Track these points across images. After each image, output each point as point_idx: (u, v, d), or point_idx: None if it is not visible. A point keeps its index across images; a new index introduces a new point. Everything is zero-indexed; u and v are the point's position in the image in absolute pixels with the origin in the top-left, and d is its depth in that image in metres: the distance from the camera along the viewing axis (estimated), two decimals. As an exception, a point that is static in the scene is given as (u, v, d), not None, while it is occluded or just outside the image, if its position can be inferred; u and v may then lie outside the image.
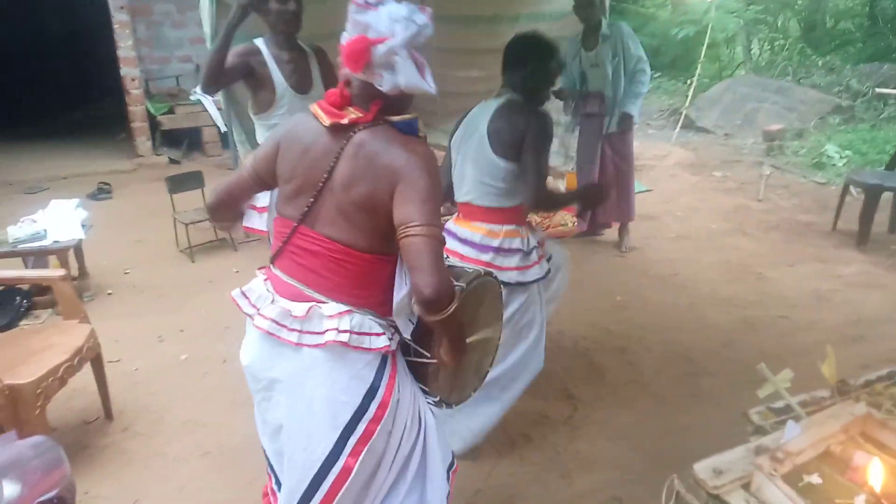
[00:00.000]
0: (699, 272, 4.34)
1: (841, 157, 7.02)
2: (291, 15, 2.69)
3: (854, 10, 13.60)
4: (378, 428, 1.50)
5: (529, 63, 2.30)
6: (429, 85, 1.41)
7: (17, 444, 1.80)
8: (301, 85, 2.85)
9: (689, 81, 10.98)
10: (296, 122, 1.57)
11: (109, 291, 4.06)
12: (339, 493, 1.51)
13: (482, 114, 2.32)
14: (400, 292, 1.50)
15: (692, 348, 3.32)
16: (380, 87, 1.39)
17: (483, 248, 2.30)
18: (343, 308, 1.48)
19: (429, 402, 1.71)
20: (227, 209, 1.70)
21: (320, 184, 1.45)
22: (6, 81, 9.44)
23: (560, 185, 6.03)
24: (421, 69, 1.39)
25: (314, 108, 1.51)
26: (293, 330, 1.48)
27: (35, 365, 2.29)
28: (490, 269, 1.88)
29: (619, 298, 3.93)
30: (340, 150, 1.44)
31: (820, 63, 10.47)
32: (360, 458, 1.50)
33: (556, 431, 2.67)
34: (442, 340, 1.51)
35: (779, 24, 12.92)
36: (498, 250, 2.29)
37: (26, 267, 3.82)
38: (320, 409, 1.48)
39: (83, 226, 3.89)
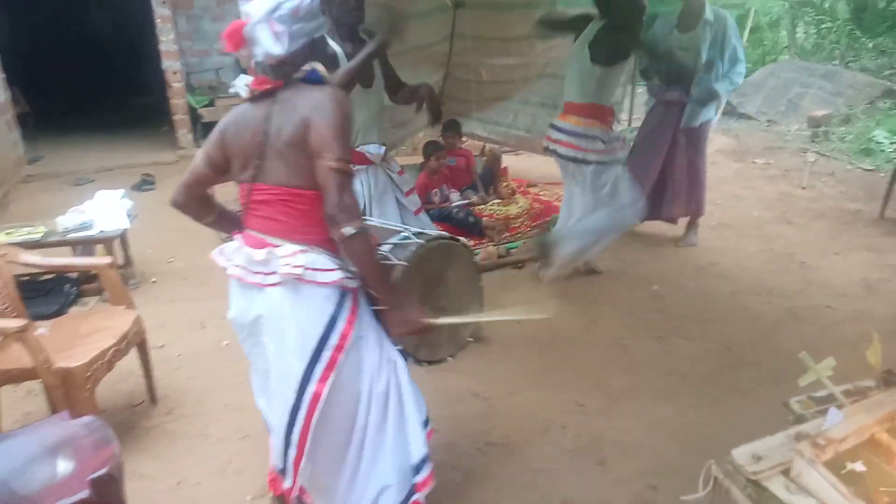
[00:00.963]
0: (741, 261, 4.25)
1: (890, 143, 6.77)
2: (355, 6, 2.65)
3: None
4: (341, 357, 1.70)
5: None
6: (278, 48, 1.60)
7: (70, 423, 1.88)
8: (365, 78, 2.80)
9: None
10: (234, 111, 1.78)
11: (154, 279, 4.18)
12: (314, 421, 1.71)
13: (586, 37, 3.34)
14: None
15: (732, 339, 3.26)
16: (256, 58, 1.65)
17: (573, 133, 3.43)
18: (296, 248, 1.66)
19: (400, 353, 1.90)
20: (191, 202, 1.85)
21: (260, 145, 1.66)
22: (53, 75, 9.76)
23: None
24: (277, 36, 1.60)
25: (243, 91, 1.73)
26: (258, 273, 1.68)
27: (85, 348, 2.38)
28: (458, 237, 2.36)
29: (655, 288, 3.87)
30: (269, 111, 1.65)
31: (871, 45, 10.09)
32: (328, 384, 1.69)
33: (592, 420, 2.66)
34: (346, 254, 1.70)
35: (826, 6, 12.44)
36: (582, 136, 3.41)
37: (75, 255, 3.96)
38: (291, 340, 1.68)
39: (128, 216, 4.00)
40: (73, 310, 3.74)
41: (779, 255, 4.34)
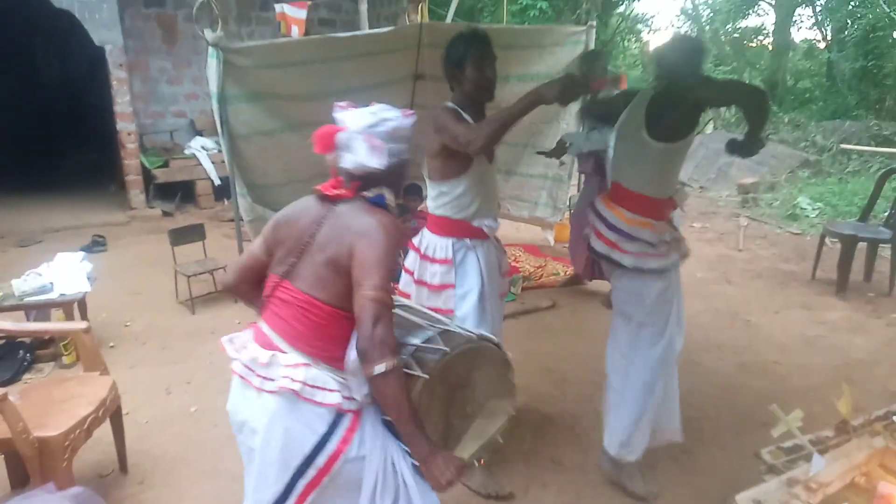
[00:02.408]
0: (690, 319, 4.45)
1: (813, 209, 7.37)
2: (488, 83, 2.45)
3: (812, 70, 14.44)
4: (326, 479, 1.62)
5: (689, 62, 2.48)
6: (375, 161, 1.66)
7: (58, 495, 1.83)
8: (491, 151, 2.57)
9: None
10: (298, 203, 1.81)
11: (112, 344, 4.06)
12: None
13: (643, 97, 2.55)
14: (353, 350, 1.60)
15: (691, 393, 3.42)
16: (342, 165, 1.69)
17: (614, 228, 2.59)
18: (301, 360, 1.62)
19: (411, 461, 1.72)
20: (244, 285, 1.87)
21: (303, 246, 1.67)
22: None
23: (549, 236, 6.23)
24: (374, 150, 1.66)
25: (315, 188, 1.76)
26: (258, 376, 1.63)
27: (62, 416, 2.31)
28: (489, 337, 1.92)
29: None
30: (324, 218, 1.69)
31: (786, 119, 11.04)
32: (308, 502, 1.62)
33: (572, 477, 2.74)
34: (375, 394, 1.59)
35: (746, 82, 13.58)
36: (627, 236, 2.56)
37: (28, 320, 3.81)
38: (274, 451, 1.60)
39: (89, 278, 3.91)
40: (28, 377, 3.59)
41: (724, 314, 4.62)
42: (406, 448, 1.66)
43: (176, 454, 2.92)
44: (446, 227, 2.53)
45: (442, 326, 1.86)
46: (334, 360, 1.64)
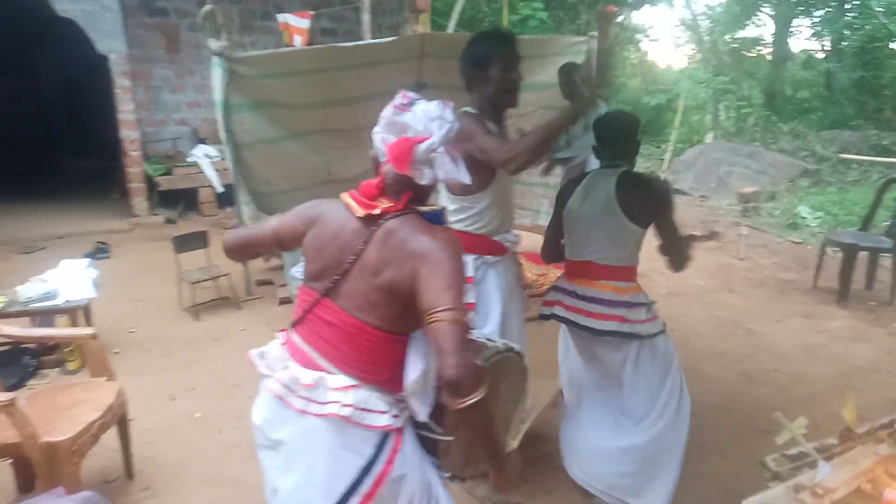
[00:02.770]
0: (692, 327, 4.52)
1: (814, 218, 7.40)
2: (514, 86, 2.30)
3: (810, 80, 14.53)
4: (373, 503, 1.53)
5: (630, 136, 2.52)
6: (464, 176, 1.57)
7: (67, 499, 1.84)
8: None
9: (661, 146, 11.53)
10: (329, 207, 1.65)
11: (116, 350, 4.07)
12: None
13: (602, 182, 2.43)
14: (414, 372, 1.54)
15: (694, 401, 3.39)
16: (420, 182, 1.52)
17: (613, 303, 2.42)
18: (349, 382, 1.52)
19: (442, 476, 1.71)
20: (242, 253, 1.88)
21: (347, 265, 1.53)
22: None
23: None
24: (456, 161, 1.55)
25: (346, 197, 1.60)
26: (301, 397, 1.52)
27: (69, 422, 2.32)
28: (512, 346, 1.93)
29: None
30: (370, 235, 1.52)
31: (785, 129, 11.09)
32: None
33: (574, 483, 2.74)
34: (462, 422, 1.51)
35: (745, 93, 13.69)
36: (628, 305, 2.42)
37: (33, 326, 3.83)
38: (317, 477, 1.52)
39: (94, 285, 3.93)
40: (33, 383, 3.60)
41: (725, 322, 4.64)
42: (437, 462, 1.65)
43: (180, 460, 2.93)
44: (467, 243, 2.30)
45: (482, 345, 1.82)
46: (384, 382, 1.57)
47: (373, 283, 1.50)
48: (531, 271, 5.56)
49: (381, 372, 1.56)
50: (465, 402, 1.37)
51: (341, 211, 1.60)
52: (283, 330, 1.70)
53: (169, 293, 4.90)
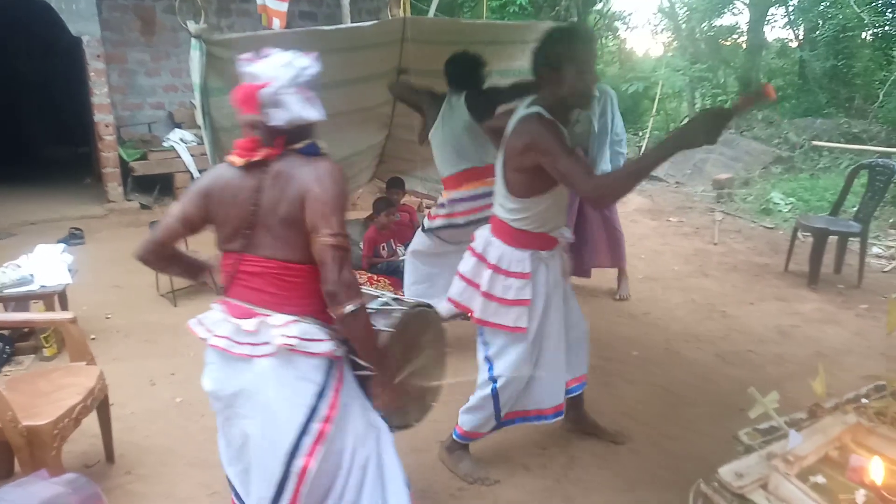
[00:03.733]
0: (669, 311, 4.60)
1: (786, 204, 7.55)
2: (589, 89, 2.21)
3: (784, 69, 14.73)
4: (330, 428, 1.67)
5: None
6: (314, 113, 1.66)
7: (52, 481, 1.83)
8: None
9: (639, 133, 11.64)
10: (217, 173, 1.76)
11: (93, 336, 4.03)
12: (302, 494, 1.68)
13: None
14: None
15: (672, 381, 3.53)
16: (270, 124, 1.64)
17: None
18: (289, 318, 1.66)
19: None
20: (157, 258, 1.85)
21: (251, 216, 1.66)
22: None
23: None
24: (309, 101, 1.65)
25: (229, 158, 1.71)
26: (245, 343, 1.65)
27: (50, 406, 2.31)
28: (429, 303, 2.07)
29: (596, 335, 4.11)
30: (261, 182, 1.66)
31: (759, 117, 11.25)
32: (316, 457, 1.65)
33: (554, 461, 2.80)
34: (346, 332, 1.70)
35: (720, 81, 13.84)
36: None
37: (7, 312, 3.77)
38: (278, 412, 1.65)
39: (70, 270, 3.88)
40: (7, 370, 3.55)
41: (701, 306, 4.74)
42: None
43: (163, 445, 2.92)
44: (525, 240, 2.35)
45: (392, 295, 2.05)
46: (321, 313, 1.71)
47: (276, 223, 1.64)
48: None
49: (315, 303, 1.70)
50: (341, 311, 1.57)
51: (229, 171, 1.72)
52: (217, 301, 1.80)
53: (146, 279, 4.85)
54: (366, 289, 2.13)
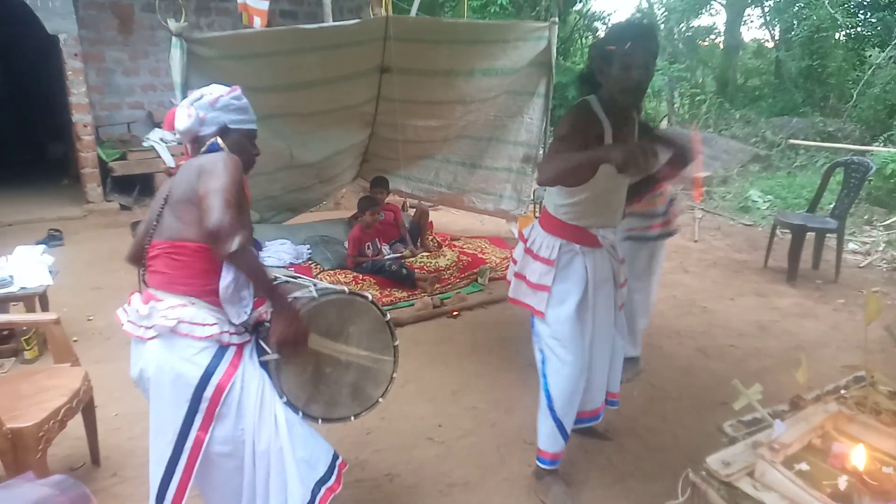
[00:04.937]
0: (651, 307, 4.65)
1: (764, 202, 7.68)
2: (634, 85, 2.15)
3: (761, 68, 14.97)
4: (220, 408, 1.75)
5: None
6: (185, 123, 1.90)
7: (39, 483, 1.81)
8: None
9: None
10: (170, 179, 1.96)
11: (75, 338, 3.97)
12: (195, 468, 1.77)
13: None
14: (225, 280, 1.76)
15: (654, 375, 3.58)
16: (177, 133, 1.93)
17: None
18: (177, 301, 1.75)
19: (290, 408, 1.87)
20: (140, 257, 1.92)
21: (161, 206, 1.83)
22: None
23: (513, 228, 6.34)
24: (189, 117, 1.89)
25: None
26: (141, 326, 1.76)
27: (34, 408, 2.27)
28: (365, 294, 2.07)
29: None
30: (172, 177, 1.90)
31: (737, 116, 11.42)
32: (210, 432, 1.75)
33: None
34: (236, 269, 1.76)
35: (699, 81, 14.02)
36: None
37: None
38: (167, 392, 1.74)
39: (50, 271, 3.83)
40: (-12, 373, 3.49)
41: (682, 301, 4.80)
42: (281, 390, 1.85)
43: (148, 447, 2.88)
44: (558, 227, 2.38)
45: (323, 286, 2.05)
46: (211, 295, 1.78)
47: (174, 205, 1.79)
48: (495, 255, 5.64)
49: (206, 283, 1.78)
50: (225, 249, 1.61)
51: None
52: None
53: (127, 280, 4.78)
54: (306, 281, 2.14)
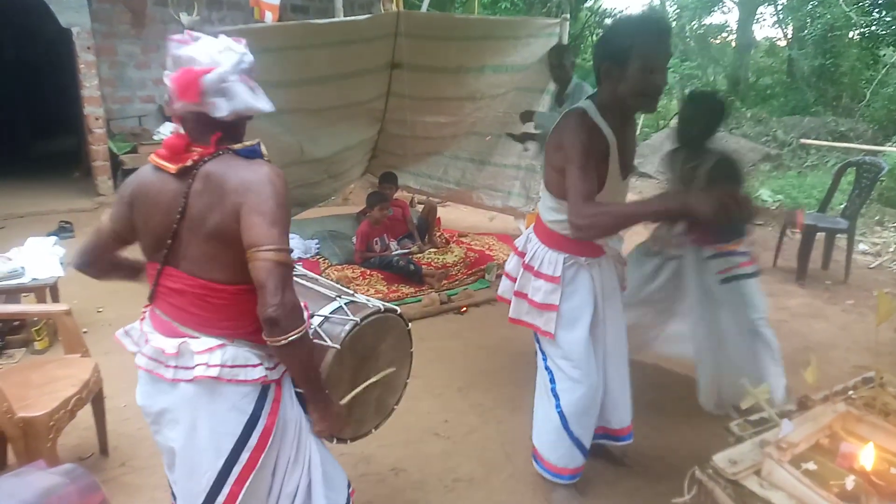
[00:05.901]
0: (659, 306, 4.64)
1: (774, 201, 7.63)
2: (655, 90, 1.93)
3: (773, 67, 14.87)
4: (262, 456, 1.54)
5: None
6: (264, 104, 1.49)
7: (49, 471, 1.83)
8: (624, 167, 2.16)
9: (631, 130, 11.72)
10: (142, 176, 1.57)
11: (85, 330, 4.00)
12: None
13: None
14: None
15: (661, 376, 3.56)
16: (215, 115, 1.44)
17: None
18: (214, 342, 1.49)
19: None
20: (94, 266, 1.72)
21: (175, 225, 1.47)
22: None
23: (521, 226, 6.34)
24: (255, 90, 1.49)
25: (154, 158, 1.52)
26: (168, 367, 1.50)
27: (45, 398, 2.30)
28: (395, 307, 1.94)
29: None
30: (189, 188, 1.46)
31: (748, 115, 11.35)
32: (246, 485, 1.53)
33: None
34: (282, 360, 1.54)
35: (710, 79, 13.94)
36: None
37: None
38: (203, 439, 1.51)
39: (61, 263, 3.86)
40: (-1, 363, 3.53)
41: (691, 300, 4.78)
42: (311, 419, 1.67)
43: (155, 442, 2.91)
44: (559, 241, 2.23)
45: (349, 297, 1.92)
46: (252, 334, 1.53)
47: (203, 235, 1.45)
48: (502, 252, 5.64)
49: (245, 325, 1.53)
50: (281, 340, 1.39)
51: (155, 175, 1.52)
52: (146, 306, 1.65)
53: (138, 273, 4.83)
54: (322, 284, 2.01)
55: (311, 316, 1.75)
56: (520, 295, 2.33)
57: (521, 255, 2.35)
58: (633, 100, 1.94)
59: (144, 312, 1.65)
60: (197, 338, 1.50)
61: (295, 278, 1.84)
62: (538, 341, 2.38)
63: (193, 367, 1.48)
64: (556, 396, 2.32)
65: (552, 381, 2.33)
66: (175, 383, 1.51)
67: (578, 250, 2.22)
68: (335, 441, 1.85)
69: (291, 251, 1.43)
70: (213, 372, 1.46)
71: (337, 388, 1.72)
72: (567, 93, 4.54)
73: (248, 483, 1.54)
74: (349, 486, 1.82)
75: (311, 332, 1.59)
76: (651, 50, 1.86)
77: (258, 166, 1.47)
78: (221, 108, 1.44)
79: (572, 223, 1.88)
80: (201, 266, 1.48)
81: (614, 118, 2.01)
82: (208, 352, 1.48)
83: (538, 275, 2.25)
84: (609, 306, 2.33)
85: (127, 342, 1.63)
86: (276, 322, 1.37)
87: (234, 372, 1.49)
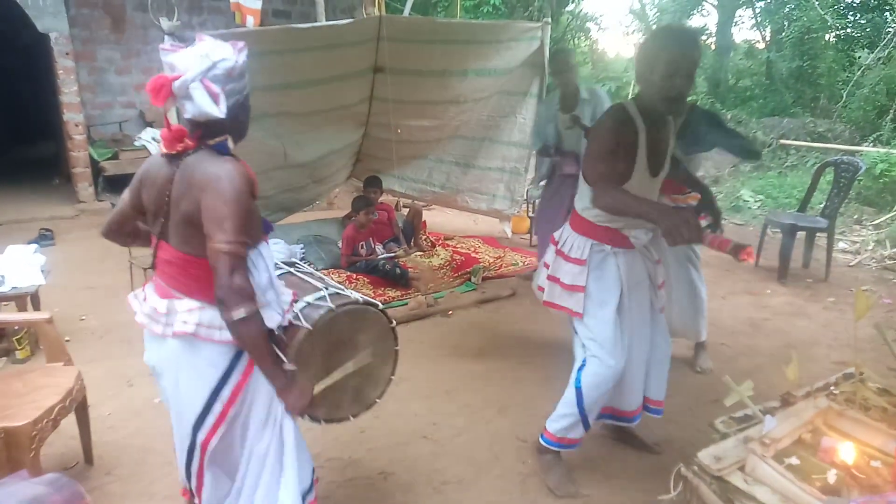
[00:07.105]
0: (644, 306, 4.68)
1: (755, 201, 7.73)
2: (677, 94, 2.09)
3: (752, 69, 15.04)
4: (232, 410, 1.77)
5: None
6: (218, 111, 1.60)
7: (33, 481, 1.80)
8: (654, 166, 2.30)
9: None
10: (152, 159, 1.81)
11: (68, 338, 3.96)
12: (205, 463, 1.85)
13: None
14: (261, 278, 1.76)
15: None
16: (185, 116, 1.65)
17: None
18: (195, 304, 1.73)
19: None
20: (118, 235, 1.98)
21: (165, 206, 1.70)
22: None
23: (506, 228, 6.36)
24: (214, 97, 1.60)
25: (159, 136, 1.74)
26: (160, 323, 1.75)
27: (27, 407, 2.27)
28: (376, 302, 2.09)
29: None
30: (173, 175, 1.68)
31: (729, 116, 11.46)
32: (218, 435, 1.79)
33: (532, 454, 2.83)
34: (234, 337, 1.69)
35: (690, 81, 14.04)
36: None
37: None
38: (185, 389, 1.78)
39: (42, 271, 3.82)
40: (-21, 372, 3.48)
41: (675, 300, 4.82)
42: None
43: (142, 445, 2.89)
44: (588, 228, 2.40)
45: (335, 290, 2.06)
46: None
47: (179, 217, 1.67)
48: (488, 254, 5.66)
49: None
50: (231, 317, 1.57)
51: (159, 158, 1.75)
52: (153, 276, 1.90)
53: (120, 280, 4.78)
54: (309, 278, 2.15)
55: (296, 301, 1.95)
56: (552, 279, 2.50)
57: (556, 243, 2.53)
58: (660, 102, 2.13)
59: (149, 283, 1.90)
60: (181, 299, 1.74)
61: (298, 274, 2.19)
62: (573, 325, 2.52)
63: (176, 324, 1.72)
64: (580, 374, 2.46)
65: (582, 360, 2.47)
66: (164, 338, 1.76)
67: (604, 237, 2.38)
68: (308, 419, 1.96)
69: (244, 241, 1.60)
70: (190, 329, 1.69)
71: (307, 366, 1.86)
72: (582, 97, 4.30)
73: (219, 432, 1.79)
74: (314, 472, 2.02)
75: (292, 314, 1.88)
76: (674, 56, 2.04)
77: (222, 163, 1.64)
78: (188, 111, 1.63)
79: (591, 190, 2.17)
80: (182, 242, 1.71)
81: (649, 118, 2.20)
82: (188, 312, 1.72)
83: (567, 259, 2.43)
84: (634, 298, 2.45)
85: (134, 303, 1.87)
86: (221, 301, 1.57)
87: (210, 332, 1.71)
